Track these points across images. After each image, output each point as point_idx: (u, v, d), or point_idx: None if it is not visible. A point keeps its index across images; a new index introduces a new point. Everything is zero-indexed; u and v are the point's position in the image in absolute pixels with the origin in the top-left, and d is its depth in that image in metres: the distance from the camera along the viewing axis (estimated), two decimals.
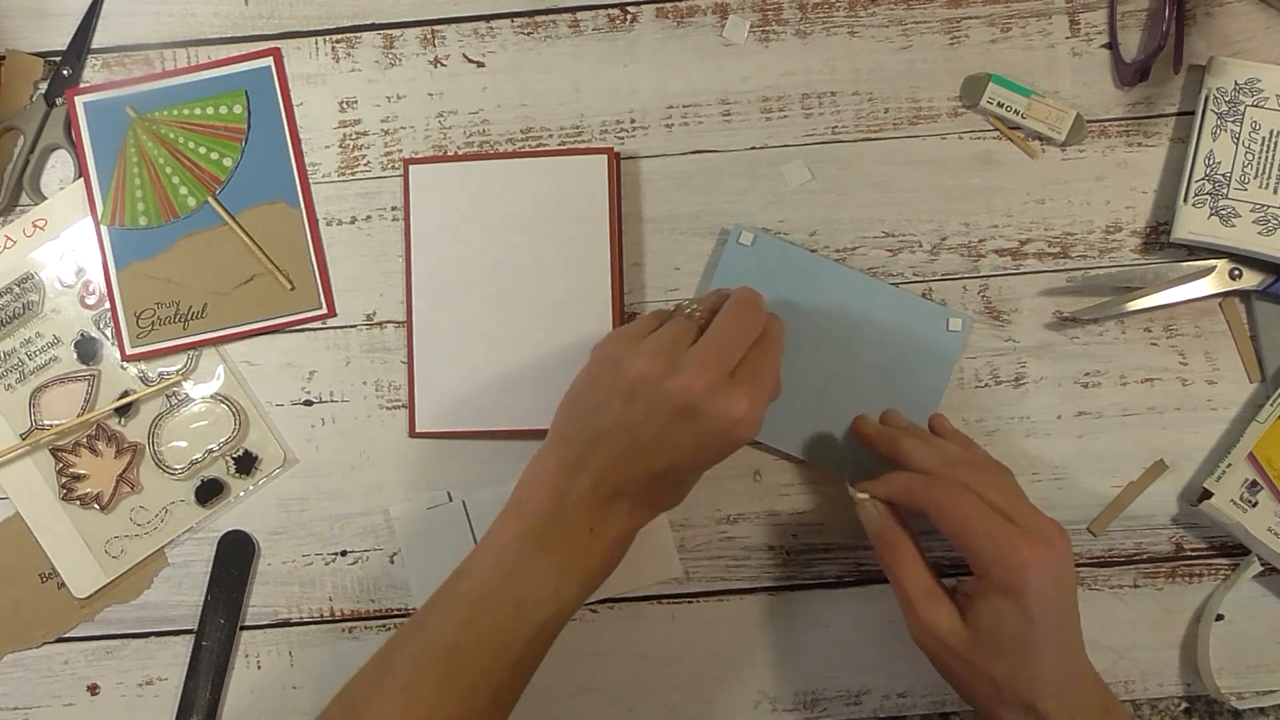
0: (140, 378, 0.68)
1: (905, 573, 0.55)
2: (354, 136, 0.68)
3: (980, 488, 0.53)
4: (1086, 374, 0.66)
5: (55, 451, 0.67)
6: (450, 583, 0.55)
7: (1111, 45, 0.67)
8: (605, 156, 0.66)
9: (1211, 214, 0.64)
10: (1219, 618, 0.65)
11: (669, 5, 0.68)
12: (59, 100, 0.68)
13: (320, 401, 0.68)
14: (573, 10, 0.68)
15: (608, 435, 0.54)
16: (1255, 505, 0.62)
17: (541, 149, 0.68)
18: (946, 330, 0.65)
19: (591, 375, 0.57)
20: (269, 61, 0.69)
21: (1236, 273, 0.65)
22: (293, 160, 0.68)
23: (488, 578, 0.54)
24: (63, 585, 0.67)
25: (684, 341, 0.54)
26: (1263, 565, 0.64)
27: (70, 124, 0.68)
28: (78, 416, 0.67)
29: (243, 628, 0.67)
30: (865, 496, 0.58)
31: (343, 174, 0.68)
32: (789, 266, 0.66)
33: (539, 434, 0.66)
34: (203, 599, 0.66)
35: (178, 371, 0.68)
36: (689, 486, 0.58)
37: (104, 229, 0.68)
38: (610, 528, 0.55)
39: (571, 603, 0.54)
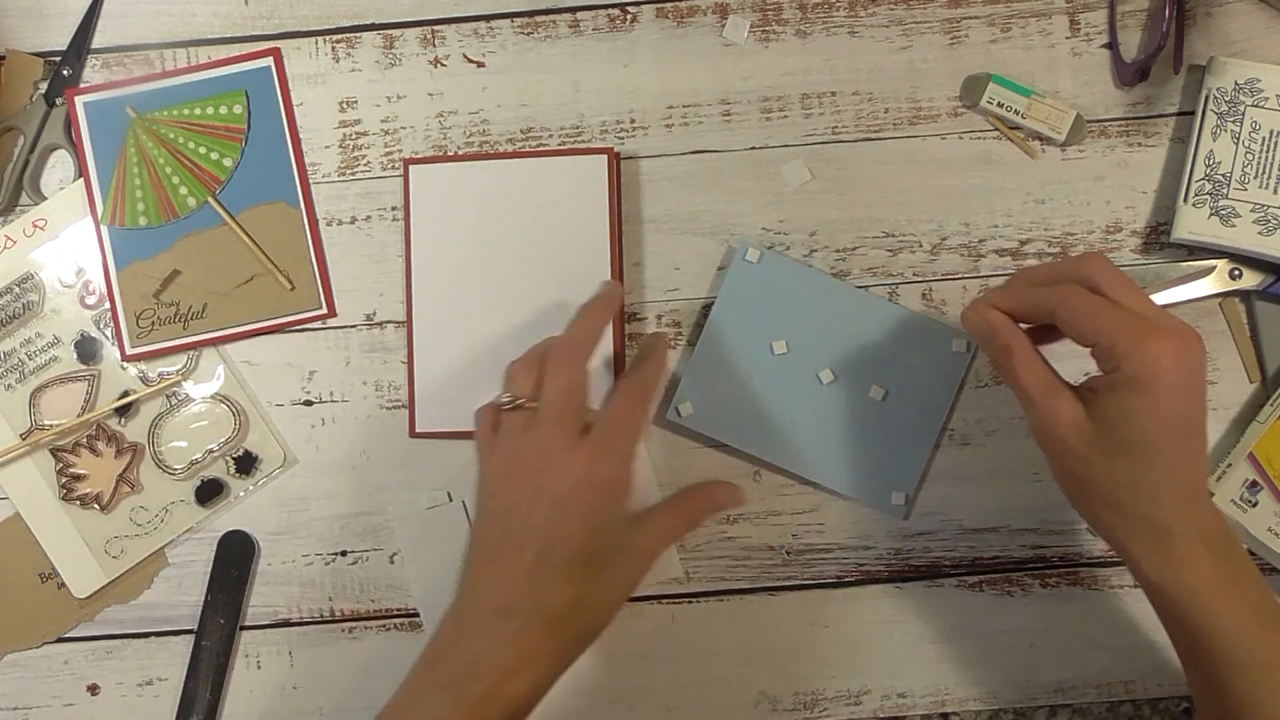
0: (140, 378, 0.68)
1: (1023, 369, 0.53)
2: (354, 136, 0.68)
3: (1108, 288, 0.51)
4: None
5: (55, 451, 0.67)
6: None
7: (1111, 45, 0.67)
8: (605, 156, 0.66)
9: (1211, 214, 0.64)
10: None
11: (669, 5, 0.68)
12: (59, 100, 0.68)
13: (320, 401, 0.68)
14: (573, 10, 0.68)
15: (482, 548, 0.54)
16: (1255, 505, 0.62)
17: (541, 149, 0.68)
18: (951, 352, 0.65)
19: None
20: (269, 61, 0.69)
21: (1236, 273, 0.65)
22: (293, 160, 0.68)
23: None
24: (63, 585, 0.67)
25: (522, 426, 0.54)
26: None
27: (70, 124, 0.68)
28: (78, 416, 0.67)
29: (243, 628, 0.67)
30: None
31: (343, 174, 0.68)
32: (795, 284, 0.65)
33: None
34: (203, 599, 0.66)
35: (178, 371, 0.68)
36: (598, 607, 0.53)
37: (104, 229, 0.68)
38: (496, 656, 0.51)
39: None
